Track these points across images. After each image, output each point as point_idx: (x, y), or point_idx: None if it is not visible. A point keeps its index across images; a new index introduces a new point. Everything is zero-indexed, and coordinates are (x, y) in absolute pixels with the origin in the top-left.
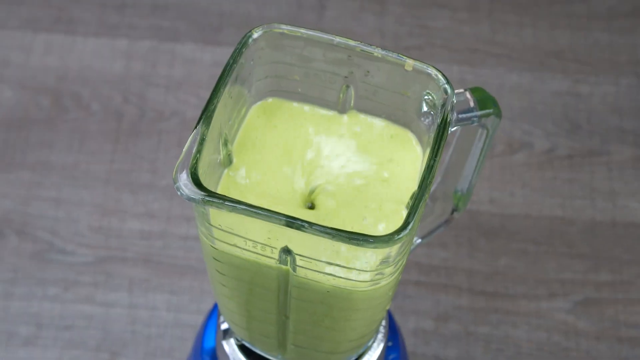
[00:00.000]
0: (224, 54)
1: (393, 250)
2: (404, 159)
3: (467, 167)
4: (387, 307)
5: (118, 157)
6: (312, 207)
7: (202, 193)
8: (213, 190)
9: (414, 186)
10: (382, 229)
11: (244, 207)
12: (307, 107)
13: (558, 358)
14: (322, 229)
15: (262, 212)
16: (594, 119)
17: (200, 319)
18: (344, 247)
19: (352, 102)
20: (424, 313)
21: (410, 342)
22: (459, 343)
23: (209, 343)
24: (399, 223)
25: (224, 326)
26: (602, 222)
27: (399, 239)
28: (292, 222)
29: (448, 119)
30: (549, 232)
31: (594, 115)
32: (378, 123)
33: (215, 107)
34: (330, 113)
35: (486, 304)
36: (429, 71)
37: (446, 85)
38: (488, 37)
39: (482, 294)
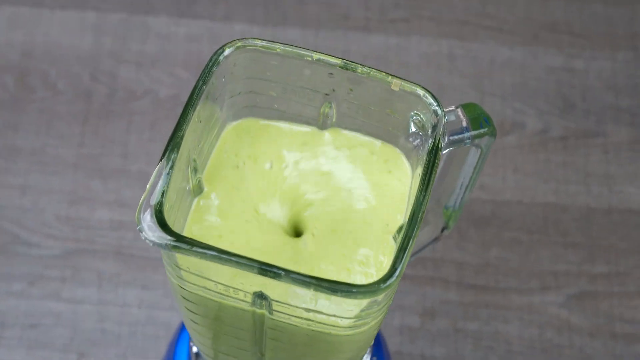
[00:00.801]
0: (200, 27)
1: (379, 296)
2: (392, 179)
3: (458, 184)
4: (372, 343)
5: (87, 140)
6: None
7: (169, 238)
8: (183, 222)
9: (402, 210)
10: (366, 268)
11: (214, 253)
12: (284, 125)
13: (550, 356)
14: (300, 278)
15: (234, 259)
16: (589, 96)
17: (175, 317)
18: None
19: (334, 119)
20: (410, 308)
21: (395, 341)
22: (447, 340)
23: (181, 356)
24: (388, 253)
25: (195, 349)
26: (597, 208)
27: (385, 287)
28: (266, 271)
29: (440, 145)
30: (542, 220)
31: (589, 93)
32: (363, 139)
33: (183, 134)
34: (310, 129)
35: (476, 298)
36: (418, 92)
37: (436, 107)
38: (479, 9)
39: (471, 287)
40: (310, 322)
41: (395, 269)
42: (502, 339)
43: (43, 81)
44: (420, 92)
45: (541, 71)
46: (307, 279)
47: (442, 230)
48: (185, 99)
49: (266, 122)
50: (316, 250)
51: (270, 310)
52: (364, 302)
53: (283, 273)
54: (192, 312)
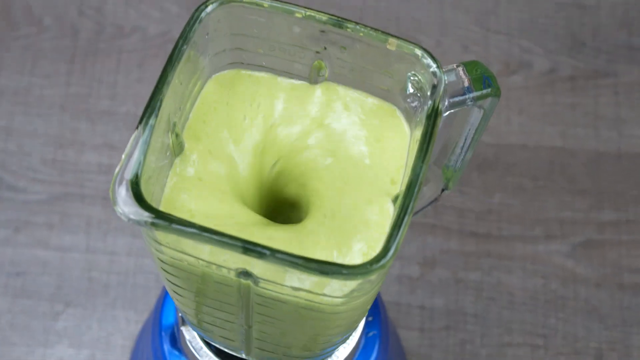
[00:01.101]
0: None
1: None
2: (389, 137)
3: (459, 145)
4: (366, 314)
5: (74, 79)
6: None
7: (146, 214)
8: (161, 187)
9: (400, 173)
10: (362, 240)
11: (194, 230)
12: (272, 77)
13: (554, 307)
14: (286, 257)
15: (216, 238)
16: (600, 34)
17: None
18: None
19: (326, 76)
20: (409, 258)
21: (393, 290)
22: (447, 291)
23: (168, 319)
24: (384, 222)
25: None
26: (606, 153)
27: (378, 267)
28: (250, 250)
29: (439, 110)
30: (548, 165)
31: (600, 31)
32: (357, 96)
33: (162, 98)
34: (300, 83)
35: (477, 247)
36: (416, 52)
37: (435, 69)
38: None
39: (473, 235)
40: (299, 298)
41: (389, 248)
42: (504, 289)
43: (27, 16)
44: (419, 52)
45: (550, 7)
46: (294, 259)
47: (442, 190)
48: (175, 35)
49: (251, 72)
50: (307, 214)
51: (256, 284)
52: (355, 281)
53: (268, 253)
54: (173, 283)
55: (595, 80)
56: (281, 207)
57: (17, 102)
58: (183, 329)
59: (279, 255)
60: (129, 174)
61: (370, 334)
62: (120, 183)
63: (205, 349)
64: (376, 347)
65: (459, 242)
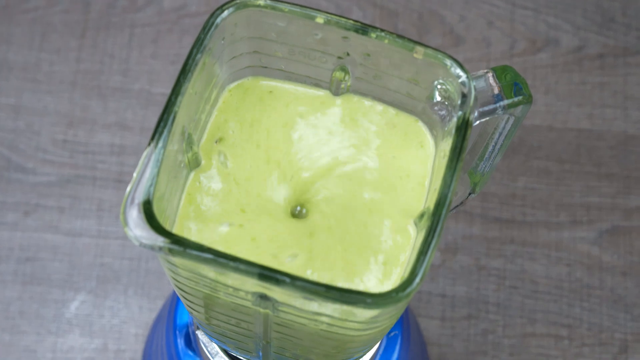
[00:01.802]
0: None
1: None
2: (412, 155)
3: (488, 151)
4: (388, 331)
5: (85, 55)
6: (300, 212)
7: (161, 239)
8: (176, 204)
9: (423, 191)
10: (382, 262)
11: (210, 256)
12: (292, 87)
13: (579, 297)
14: (307, 285)
15: (232, 264)
16: (630, 9)
17: None
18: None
19: (349, 84)
20: None
21: None
22: (469, 279)
23: (182, 318)
24: (407, 242)
25: None
26: (635, 136)
27: (404, 296)
28: (268, 277)
29: (470, 122)
30: (574, 148)
31: (631, 5)
32: (380, 109)
33: (176, 111)
34: (321, 94)
35: (500, 233)
36: (445, 62)
37: (465, 79)
38: None
39: (496, 221)
40: (319, 322)
41: (416, 275)
42: (527, 278)
43: None
44: (448, 62)
45: None
46: (315, 287)
47: (469, 194)
48: (192, 9)
49: (271, 82)
50: (324, 240)
51: (275, 307)
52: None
53: (288, 280)
54: (188, 300)
55: (624, 58)
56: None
57: (25, 79)
58: (198, 333)
59: (299, 283)
60: (140, 196)
61: (392, 334)
62: (132, 204)
63: (221, 353)
64: (397, 347)
65: (482, 227)
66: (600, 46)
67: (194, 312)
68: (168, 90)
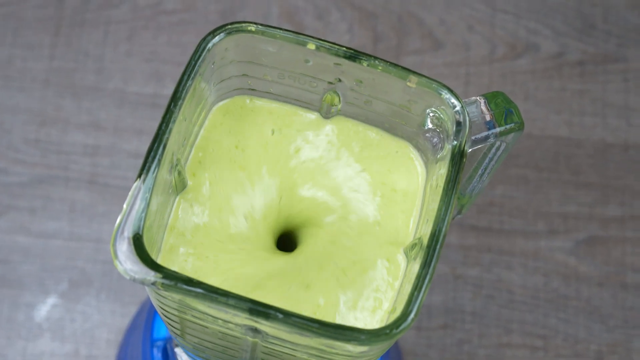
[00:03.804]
0: None
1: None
2: (402, 182)
3: (477, 175)
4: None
5: (59, 52)
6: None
7: (153, 273)
8: (163, 228)
9: (413, 219)
10: (372, 295)
11: (201, 291)
12: (281, 108)
13: (555, 307)
14: (299, 321)
15: (223, 299)
16: (611, 16)
17: None
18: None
19: (339, 108)
20: None
21: None
22: (445, 287)
23: (160, 332)
24: (396, 272)
25: None
26: (613, 144)
27: (398, 332)
28: (259, 311)
29: (464, 152)
30: (553, 155)
31: (611, 12)
32: (371, 133)
33: (166, 141)
34: (312, 116)
35: (477, 241)
36: (441, 92)
37: (459, 109)
38: None
39: (473, 229)
40: (310, 355)
41: (410, 311)
42: (504, 287)
43: None
44: (442, 91)
45: None
46: (307, 323)
47: (454, 216)
48: (168, 6)
49: (259, 101)
50: (312, 272)
51: (265, 339)
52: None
53: (280, 316)
54: (173, 326)
55: (604, 65)
56: (287, 239)
57: None
58: (177, 350)
59: (292, 319)
60: (130, 229)
61: None
62: (122, 237)
63: None
64: None
65: (459, 235)
66: (580, 53)
67: (178, 337)
68: (142, 90)
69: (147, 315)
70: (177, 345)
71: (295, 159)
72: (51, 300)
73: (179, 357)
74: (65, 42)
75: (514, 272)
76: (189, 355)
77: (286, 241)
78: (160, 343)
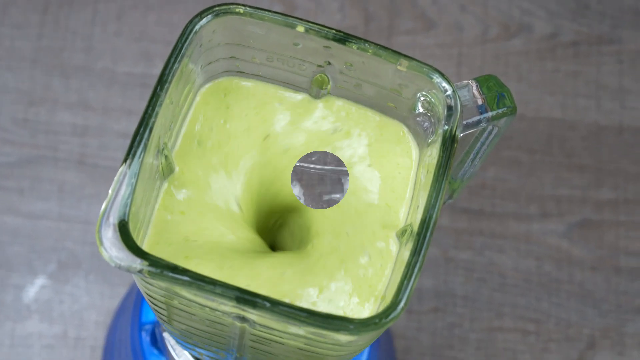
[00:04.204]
0: None
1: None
2: (395, 162)
3: (469, 159)
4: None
5: (47, 31)
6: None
7: (139, 261)
8: (149, 214)
9: (404, 199)
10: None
11: (188, 278)
12: (270, 88)
13: (548, 291)
14: (285, 310)
15: (209, 288)
16: None
17: None
18: None
19: (328, 91)
20: None
21: None
22: (436, 271)
23: (148, 316)
24: (388, 254)
25: None
26: (607, 126)
27: (388, 321)
28: (246, 300)
29: (456, 138)
30: (546, 138)
31: None
32: (363, 112)
33: (152, 125)
34: (301, 97)
35: (469, 224)
36: (432, 75)
37: (451, 94)
38: None
39: (465, 212)
40: (298, 342)
41: (400, 300)
42: (496, 270)
43: None
44: (434, 75)
45: None
46: (296, 312)
47: (445, 201)
48: None
49: (247, 82)
50: (301, 254)
51: (253, 327)
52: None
53: (268, 304)
54: (161, 313)
55: (598, 46)
56: (277, 227)
57: None
58: (165, 334)
59: (279, 308)
60: (116, 215)
61: None
62: (107, 223)
63: (187, 354)
64: (367, 348)
65: (450, 218)
66: (574, 34)
67: (165, 323)
68: (131, 69)
69: (136, 299)
70: (165, 331)
71: (285, 139)
72: (40, 281)
73: (167, 341)
74: (53, 21)
75: (506, 255)
76: (176, 341)
77: (277, 224)
78: (148, 327)
